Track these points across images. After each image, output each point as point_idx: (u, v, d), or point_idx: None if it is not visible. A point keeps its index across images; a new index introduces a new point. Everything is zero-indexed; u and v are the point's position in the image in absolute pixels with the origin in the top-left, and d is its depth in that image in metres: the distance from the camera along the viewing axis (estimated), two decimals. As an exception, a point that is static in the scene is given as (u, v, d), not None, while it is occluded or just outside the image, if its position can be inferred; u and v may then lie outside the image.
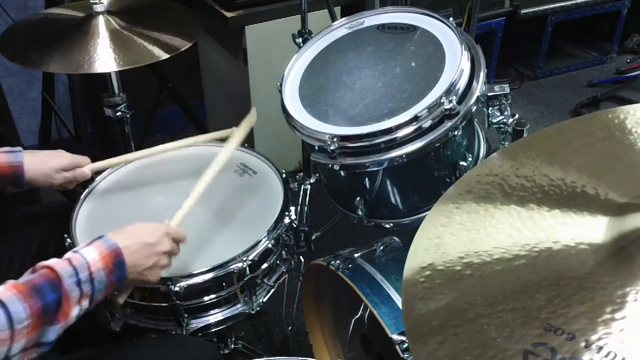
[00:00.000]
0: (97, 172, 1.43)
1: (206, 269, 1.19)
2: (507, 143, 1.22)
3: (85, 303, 0.93)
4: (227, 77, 2.53)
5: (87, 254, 0.96)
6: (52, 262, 0.93)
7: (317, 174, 1.77)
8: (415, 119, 1.14)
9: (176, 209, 1.35)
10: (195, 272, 1.19)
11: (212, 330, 1.27)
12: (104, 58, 1.43)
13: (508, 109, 1.20)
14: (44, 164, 1.29)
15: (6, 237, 1.34)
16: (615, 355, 0.58)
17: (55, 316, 0.89)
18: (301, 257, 1.49)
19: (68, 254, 0.96)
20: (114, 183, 1.45)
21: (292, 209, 1.34)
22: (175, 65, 1.75)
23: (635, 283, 0.63)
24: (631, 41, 3.41)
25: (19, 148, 1.29)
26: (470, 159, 1.28)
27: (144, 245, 1.04)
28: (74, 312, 0.92)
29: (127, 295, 1.09)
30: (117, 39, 1.47)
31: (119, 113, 1.63)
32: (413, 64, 1.26)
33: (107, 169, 1.45)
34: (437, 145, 1.17)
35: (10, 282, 0.88)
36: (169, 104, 2.47)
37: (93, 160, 1.40)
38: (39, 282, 0.89)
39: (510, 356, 0.61)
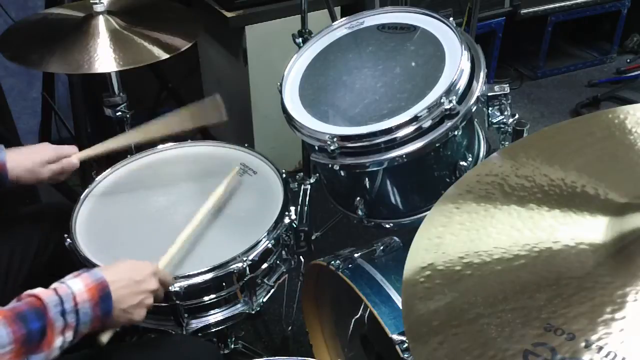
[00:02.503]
0: (95, 170, 1.42)
1: (206, 269, 1.19)
2: (507, 143, 1.22)
3: (69, 335, 0.92)
4: (227, 77, 2.53)
5: (73, 285, 0.95)
6: (38, 291, 0.92)
7: (317, 174, 1.77)
8: (415, 119, 1.14)
9: (176, 209, 1.36)
10: (195, 272, 1.18)
11: (212, 330, 1.27)
12: (104, 58, 1.43)
13: (508, 109, 1.20)
14: (26, 160, 1.27)
15: (6, 237, 1.33)
16: (615, 355, 0.58)
17: (39, 345, 0.88)
18: (301, 257, 1.49)
19: (54, 284, 0.95)
20: (114, 183, 1.45)
21: (292, 209, 1.34)
22: (175, 65, 1.75)
23: (635, 283, 0.63)
24: (631, 41, 3.40)
25: (1, 146, 1.26)
26: (470, 159, 1.28)
27: (131, 282, 1.03)
28: (57, 342, 0.90)
29: (111, 334, 1.06)
30: (117, 39, 1.47)
31: (119, 113, 1.63)
32: (413, 64, 1.27)
33: (95, 156, 1.40)
34: (437, 145, 1.17)
35: None
36: (169, 104, 2.46)
37: (91, 161, 1.40)
38: (24, 309, 0.88)
39: (510, 356, 0.61)
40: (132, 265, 1.06)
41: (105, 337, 1.05)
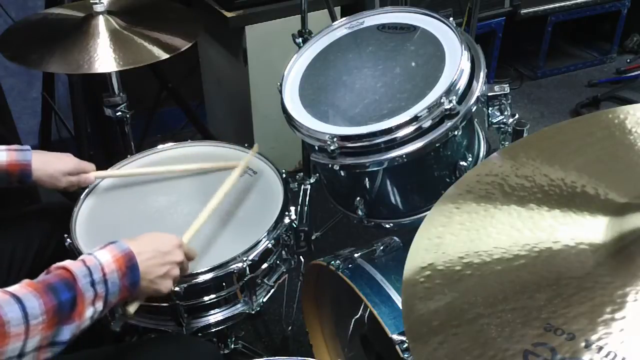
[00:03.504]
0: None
1: (206, 269, 1.19)
2: (507, 143, 1.22)
3: (99, 305, 0.94)
4: (227, 77, 2.53)
5: (100, 256, 0.97)
6: (67, 262, 0.94)
7: (317, 174, 1.77)
8: (415, 119, 1.14)
9: (176, 208, 1.36)
10: (195, 272, 1.18)
11: (212, 330, 1.27)
12: (104, 58, 1.43)
13: (508, 109, 1.20)
14: (50, 165, 1.31)
15: (6, 236, 1.34)
16: (615, 355, 0.58)
17: (70, 315, 0.89)
18: (301, 257, 1.49)
19: (82, 256, 0.97)
20: (114, 183, 1.45)
21: (292, 209, 1.34)
22: (175, 65, 1.75)
23: (635, 283, 0.63)
24: (631, 41, 3.40)
25: (28, 147, 1.30)
26: (470, 159, 1.28)
27: (157, 252, 1.04)
28: (88, 312, 0.92)
29: (138, 304, 1.08)
30: (117, 39, 1.47)
31: (119, 113, 1.63)
32: (413, 64, 1.27)
33: (110, 177, 1.45)
34: (437, 145, 1.17)
35: (26, 281, 0.89)
36: (169, 104, 2.47)
37: (91, 161, 1.41)
38: (54, 281, 0.90)
39: (510, 356, 0.61)
40: (158, 237, 1.08)
41: (132, 308, 1.07)
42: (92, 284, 0.93)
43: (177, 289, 1.16)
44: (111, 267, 0.96)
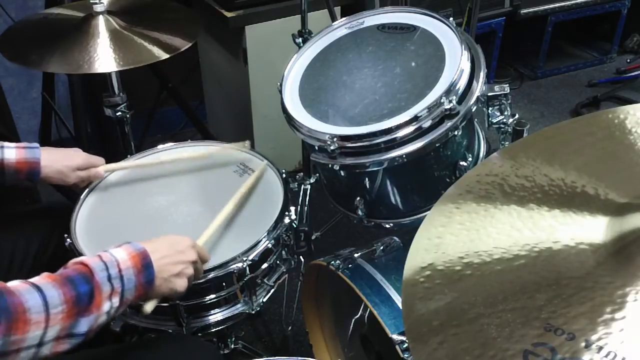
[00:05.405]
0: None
1: (206, 268, 1.19)
2: (507, 143, 1.22)
3: (115, 300, 0.95)
4: (227, 77, 2.53)
5: (116, 254, 0.99)
6: (84, 258, 0.96)
7: (317, 174, 1.77)
8: (415, 119, 1.14)
9: (176, 208, 1.36)
10: (195, 272, 1.18)
11: (212, 330, 1.27)
12: (104, 58, 1.43)
13: (508, 109, 1.20)
14: (59, 162, 1.31)
15: (6, 236, 1.34)
16: (615, 355, 0.58)
17: (88, 307, 0.91)
18: (301, 257, 1.49)
19: (99, 252, 0.99)
20: (115, 182, 1.45)
21: (292, 209, 1.34)
22: (175, 65, 1.75)
23: (635, 283, 0.63)
24: (631, 41, 3.40)
25: (36, 144, 1.30)
26: (470, 159, 1.28)
27: (170, 251, 1.05)
28: (105, 306, 0.93)
29: (155, 303, 1.08)
30: (117, 39, 1.48)
31: (119, 113, 1.63)
32: (413, 64, 1.27)
33: (120, 169, 1.46)
34: (437, 145, 1.17)
35: (45, 273, 0.91)
36: (169, 104, 2.47)
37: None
38: (72, 274, 0.92)
39: (510, 356, 0.61)
40: (171, 237, 1.10)
41: (149, 307, 1.07)
42: (109, 278, 0.94)
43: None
44: (127, 264, 0.98)
